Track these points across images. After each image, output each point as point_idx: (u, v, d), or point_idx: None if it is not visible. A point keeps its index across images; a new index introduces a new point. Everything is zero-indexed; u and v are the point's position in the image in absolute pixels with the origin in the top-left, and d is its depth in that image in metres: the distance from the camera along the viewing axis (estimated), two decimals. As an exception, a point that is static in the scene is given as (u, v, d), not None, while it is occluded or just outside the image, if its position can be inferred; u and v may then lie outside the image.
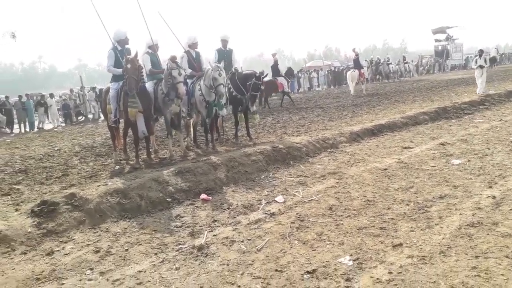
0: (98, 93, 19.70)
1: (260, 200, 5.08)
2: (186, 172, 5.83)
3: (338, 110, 13.41)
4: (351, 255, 3.43)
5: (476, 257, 3.18)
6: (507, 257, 3.12)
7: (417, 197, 4.73)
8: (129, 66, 6.36)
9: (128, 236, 4.26)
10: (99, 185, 5.27)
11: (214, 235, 4.12)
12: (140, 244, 4.04)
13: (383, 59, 29.87)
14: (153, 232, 4.32)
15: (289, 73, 18.24)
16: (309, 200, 4.91)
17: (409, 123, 9.49)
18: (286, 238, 3.91)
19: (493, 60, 35.67)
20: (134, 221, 4.69)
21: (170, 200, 5.25)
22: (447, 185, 5.06)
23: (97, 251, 3.93)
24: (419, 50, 50.59)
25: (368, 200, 4.75)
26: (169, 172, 5.78)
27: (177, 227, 4.43)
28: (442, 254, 3.28)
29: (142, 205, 5.03)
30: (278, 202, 4.93)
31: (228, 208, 4.89)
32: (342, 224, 4.13)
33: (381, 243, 3.62)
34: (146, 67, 7.43)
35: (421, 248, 3.42)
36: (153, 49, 7.48)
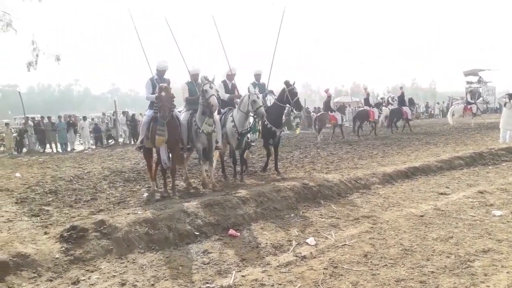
0: (130, 117, 20.20)
1: (290, 240, 4.89)
2: (215, 205, 5.72)
3: (368, 148, 13.17)
4: (390, 310, 3.19)
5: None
6: None
7: (458, 249, 4.44)
8: (163, 94, 6.36)
9: (155, 270, 4.13)
10: (128, 213, 5.20)
11: (243, 276, 3.95)
12: (167, 280, 3.90)
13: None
14: (180, 267, 4.18)
15: (411, 102, 21.38)
16: (342, 245, 4.68)
17: (443, 167, 9.15)
18: (319, 285, 3.70)
19: None
20: (161, 253, 4.56)
21: (198, 233, 5.13)
22: (490, 238, 4.75)
23: (123, 284, 3.80)
24: (449, 91, 49.93)
25: (406, 249, 4.48)
26: (198, 204, 5.68)
27: (204, 264, 4.28)
28: (493, 319, 3.00)
29: (170, 237, 4.91)
30: (310, 245, 4.72)
31: (257, 247, 4.72)
32: (379, 274, 3.89)
33: (423, 299, 3.37)
34: (184, 96, 7.57)
35: (468, 310, 3.15)
36: (193, 78, 7.60)
